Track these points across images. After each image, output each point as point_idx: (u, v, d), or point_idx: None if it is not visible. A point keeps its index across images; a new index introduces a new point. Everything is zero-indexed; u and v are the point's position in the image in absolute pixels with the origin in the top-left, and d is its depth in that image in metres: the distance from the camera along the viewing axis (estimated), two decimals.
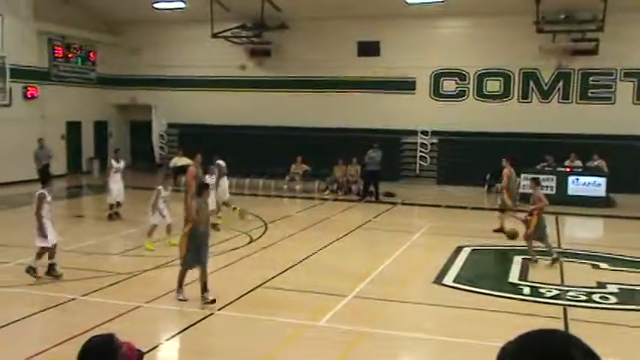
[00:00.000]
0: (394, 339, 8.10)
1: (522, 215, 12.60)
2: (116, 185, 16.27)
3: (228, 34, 24.48)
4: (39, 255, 10.33)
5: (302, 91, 25.50)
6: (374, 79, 24.65)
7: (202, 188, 9.73)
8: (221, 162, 16.47)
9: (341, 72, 24.99)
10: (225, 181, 16.38)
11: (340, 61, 24.90)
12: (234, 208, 16.31)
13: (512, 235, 13.09)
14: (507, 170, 15.34)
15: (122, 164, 16.58)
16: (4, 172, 20.89)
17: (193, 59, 26.40)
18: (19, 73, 20.95)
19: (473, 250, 13.16)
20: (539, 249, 12.14)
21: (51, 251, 10.41)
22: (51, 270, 10.42)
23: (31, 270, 10.23)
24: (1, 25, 21.54)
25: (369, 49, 24.84)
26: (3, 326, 8.07)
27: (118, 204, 16.38)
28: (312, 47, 25.14)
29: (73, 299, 9.30)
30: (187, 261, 9.14)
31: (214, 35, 23.97)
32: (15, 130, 21.26)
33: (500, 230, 14.58)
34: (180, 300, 9.13)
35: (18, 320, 8.34)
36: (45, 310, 8.80)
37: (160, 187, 13.31)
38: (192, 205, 9.35)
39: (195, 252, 9.08)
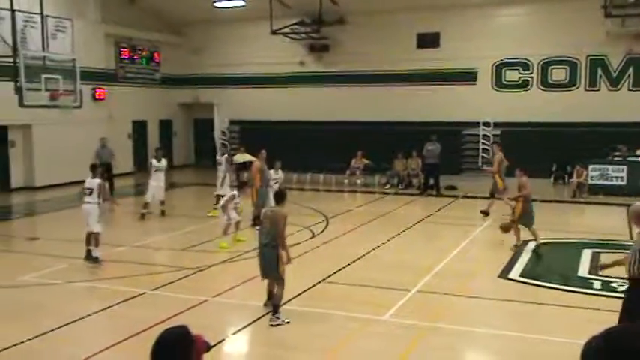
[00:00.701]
0: (460, 334, 7.99)
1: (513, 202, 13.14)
2: (154, 184, 16.11)
3: (286, 30, 24.64)
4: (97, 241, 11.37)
5: (361, 85, 25.44)
6: (434, 71, 24.33)
7: (281, 197, 9.25)
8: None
9: (400, 65, 24.77)
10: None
11: (399, 54, 24.69)
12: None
13: (507, 229, 12.84)
14: (498, 156, 16.29)
15: (164, 163, 16.47)
16: (75, 172, 21.65)
17: (253, 57, 26.73)
18: (88, 75, 21.71)
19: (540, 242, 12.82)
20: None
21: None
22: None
23: (95, 258, 11.22)
24: (71, 29, 22.41)
25: (428, 40, 24.53)
26: (76, 320, 8.40)
27: (162, 203, 16.33)
28: (370, 41, 25.03)
29: (142, 293, 9.59)
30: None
31: (273, 32, 24.18)
32: (85, 131, 22.07)
33: (486, 213, 15.75)
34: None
35: (90, 314, 8.68)
36: (115, 304, 9.10)
37: (235, 193, 13.19)
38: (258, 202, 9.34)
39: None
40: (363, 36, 25.14)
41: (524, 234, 12.55)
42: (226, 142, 27.92)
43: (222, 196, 14.03)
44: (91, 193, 11.62)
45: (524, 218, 12.45)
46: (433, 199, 19.49)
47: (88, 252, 11.45)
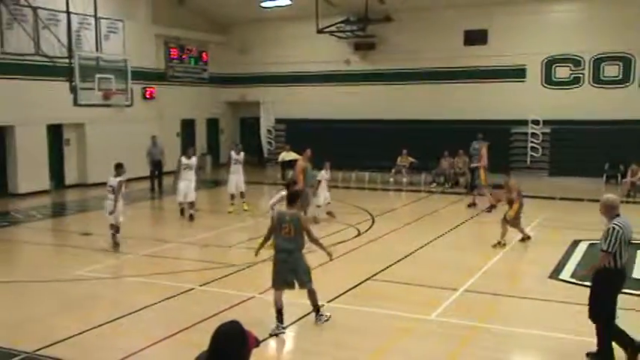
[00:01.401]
0: (509, 335, 7.88)
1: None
2: (183, 183, 15.53)
3: (332, 29, 24.68)
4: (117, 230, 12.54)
5: (407, 83, 25.30)
6: (482, 68, 24.01)
7: (294, 198, 8.22)
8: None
9: (447, 62, 24.54)
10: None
11: (446, 51, 24.46)
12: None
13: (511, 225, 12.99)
14: (485, 150, 17.70)
15: (194, 160, 15.83)
16: (127, 170, 22.22)
17: (299, 55, 26.87)
18: (138, 75, 22.22)
19: (591, 244, 12.52)
20: None
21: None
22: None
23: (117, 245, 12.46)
24: (122, 30, 22.99)
25: (476, 37, 24.23)
26: (127, 314, 8.64)
27: (192, 204, 15.68)
28: (416, 38, 24.87)
29: (191, 289, 9.77)
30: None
31: (319, 31, 24.25)
32: (135, 129, 22.60)
33: (474, 205, 17.12)
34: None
35: (141, 309, 8.89)
36: (167, 299, 9.30)
37: (284, 193, 13.08)
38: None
39: None
40: (409, 33, 24.99)
41: (565, 236, 12.26)
42: (272, 140, 28.19)
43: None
44: (112, 191, 12.42)
45: (517, 218, 12.81)
46: (480, 197, 19.20)
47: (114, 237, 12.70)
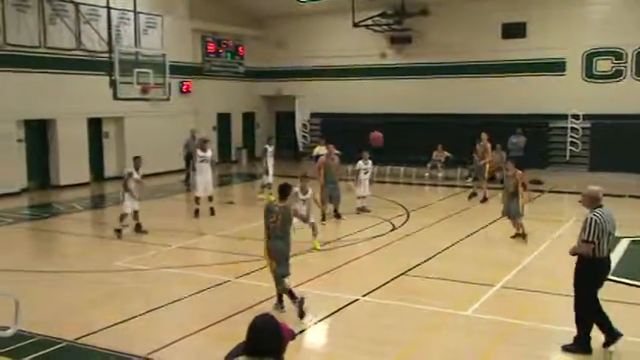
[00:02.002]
0: (547, 333, 7.76)
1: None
2: (201, 177, 15.15)
3: (369, 22, 24.57)
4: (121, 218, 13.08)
5: (443, 77, 25.06)
6: (520, 62, 23.62)
7: (284, 192, 8.66)
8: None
9: (484, 56, 24.21)
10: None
11: (483, 45, 24.14)
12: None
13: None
14: (489, 146, 18.13)
15: (209, 154, 15.40)
16: (163, 163, 22.57)
17: (335, 49, 26.82)
18: (176, 69, 22.49)
19: (633, 240, 12.26)
20: None
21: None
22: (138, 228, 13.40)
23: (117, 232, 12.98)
24: (161, 25, 23.30)
25: (514, 30, 23.84)
26: (165, 305, 8.78)
27: (210, 198, 15.27)
28: (453, 32, 24.59)
29: (227, 281, 9.88)
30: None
31: (355, 24, 24.17)
32: (172, 123, 22.89)
33: (474, 195, 17.42)
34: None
35: (178, 300, 9.04)
36: (202, 290, 9.42)
37: (296, 189, 12.21)
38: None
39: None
40: (446, 27, 24.73)
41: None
42: (307, 135, 28.24)
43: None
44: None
45: (521, 210, 12.58)
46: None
47: (138, 225, 13.48)
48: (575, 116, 22.92)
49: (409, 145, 23.07)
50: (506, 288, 9.48)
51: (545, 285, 9.63)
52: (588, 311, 7.01)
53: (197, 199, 15.34)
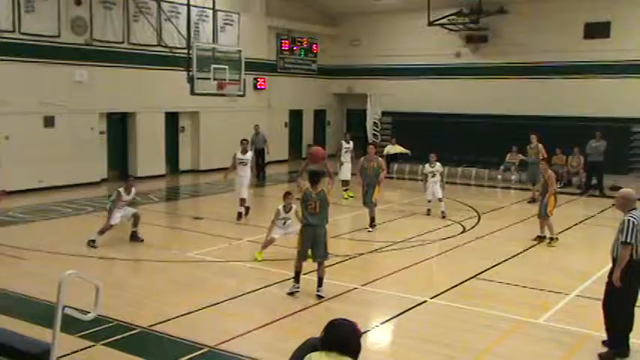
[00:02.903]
0: None
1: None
2: (238, 179, 14.68)
3: (444, 21, 24.22)
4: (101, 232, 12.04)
5: (520, 78, 24.41)
6: (603, 63, 22.70)
7: (316, 178, 9.06)
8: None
9: (563, 57, 23.41)
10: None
11: (563, 45, 23.34)
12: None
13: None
14: (541, 146, 18.20)
15: (249, 155, 14.94)
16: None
17: (409, 48, 26.59)
18: (251, 66, 22.85)
19: None
20: None
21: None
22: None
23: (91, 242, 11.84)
24: (237, 22, 23.78)
25: (597, 30, 22.94)
26: (236, 297, 8.99)
27: (243, 201, 14.59)
28: (532, 31, 23.91)
29: (293, 277, 9.95)
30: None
31: (430, 23, 23.87)
32: (246, 119, 23.28)
33: (534, 201, 16.56)
34: None
35: (246, 293, 9.22)
36: (271, 285, 9.56)
37: (280, 207, 11.26)
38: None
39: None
40: (524, 26, 24.07)
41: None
42: (378, 133, 28.12)
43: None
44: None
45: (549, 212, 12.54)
46: (595, 199, 18.28)
47: (133, 233, 12.50)
48: None
49: (482, 146, 22.63)
50: (582, 297, 9.16)
51: None
52: (623, 314, 6.94)
53: (242, 201, 14.69)
